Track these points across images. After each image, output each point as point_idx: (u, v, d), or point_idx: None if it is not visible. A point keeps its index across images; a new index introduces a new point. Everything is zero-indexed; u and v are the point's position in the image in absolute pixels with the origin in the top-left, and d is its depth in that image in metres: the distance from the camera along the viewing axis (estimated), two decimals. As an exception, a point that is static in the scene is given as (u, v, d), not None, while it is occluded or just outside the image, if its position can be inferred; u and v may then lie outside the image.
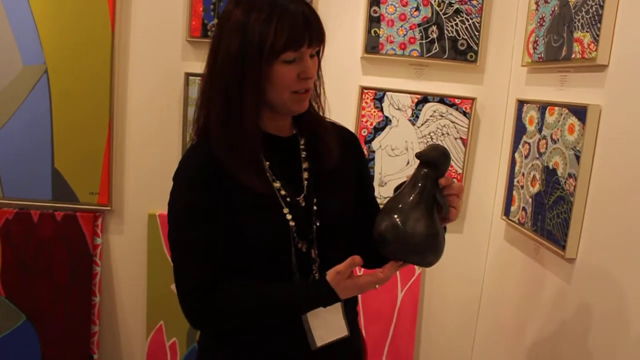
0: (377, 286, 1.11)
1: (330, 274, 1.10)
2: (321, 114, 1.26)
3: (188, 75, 2.10)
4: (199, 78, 2.09)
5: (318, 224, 1.19)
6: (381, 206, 1.21)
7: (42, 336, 2.17)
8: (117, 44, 2.09)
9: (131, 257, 2.24)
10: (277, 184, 1.17)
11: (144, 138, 2.18)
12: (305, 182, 1.21)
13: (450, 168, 2.13)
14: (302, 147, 1.24)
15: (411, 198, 1.12)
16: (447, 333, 2.33)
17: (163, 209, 2.22)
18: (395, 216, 1.11)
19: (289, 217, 1.16)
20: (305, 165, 1.22)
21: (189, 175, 1.15)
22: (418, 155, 1.14)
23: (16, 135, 2.10)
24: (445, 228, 1.21)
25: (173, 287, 2.16)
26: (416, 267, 2.17)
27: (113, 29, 2.06)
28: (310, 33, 1.09)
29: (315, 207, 1.20)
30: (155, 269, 2.19)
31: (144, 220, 2.20)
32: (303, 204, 1.19)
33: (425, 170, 1.13)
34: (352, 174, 1.30)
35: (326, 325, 1.18)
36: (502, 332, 2.07)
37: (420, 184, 1.13)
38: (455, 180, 1.16)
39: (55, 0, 2.04)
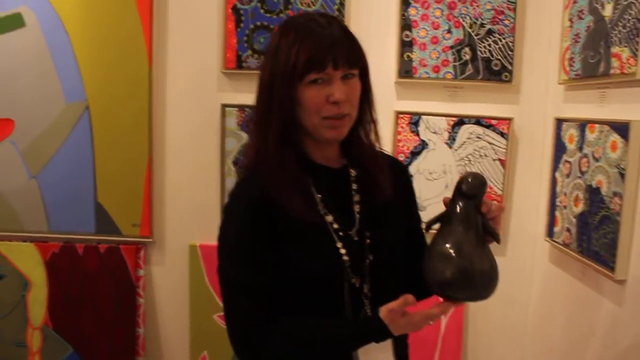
0: (431, 322, 1.08)
1: (383, 312, 1.06)
2: (373, 142, 1.22)
3: (224, 106, 2.14)
4: (235, 109, 2.14)
5: (371, 258, 1.17)
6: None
7: (89, 368, 2.20)
8: (155, 77, 2.15)
9: (173, 288, 2.26)
10: (329, 217, 1.14)
11: (183, 170, 2.22)
12: (358, 215, 1.18)
13: (489, 190, 2.11)
14: (353, 179, 1.21)
15: (469, 236, 1.08)
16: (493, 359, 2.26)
17: (203, 240, 2.27)
18: (463, 260, 1.06)
19: (342, 251, 1.13)
20: (356, 198, 1.20)
21: (239, 211, 1.14)
22: (463, 190, 1.10)
23: (60, 171, 2.16)
24: None
25: (215, 317, 2.19)
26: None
27: (150, 63, 2.12)
28: (334, 54, 1.07)
29: (368, 241, 1.17)
30: (198, 299, 2.20)
31: (185, 251, 2.22)
32: (356, 238, 1.16)
33: (470, 202, 1.10)
34: (403, 205, 1.27)
35: None
36: (551, 356, 2.00)
37: (471, 219, 1.09)
38: (492, 202, 1.14)
39: (95, 38, 2.11)
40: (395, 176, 1.25)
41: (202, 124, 2.18)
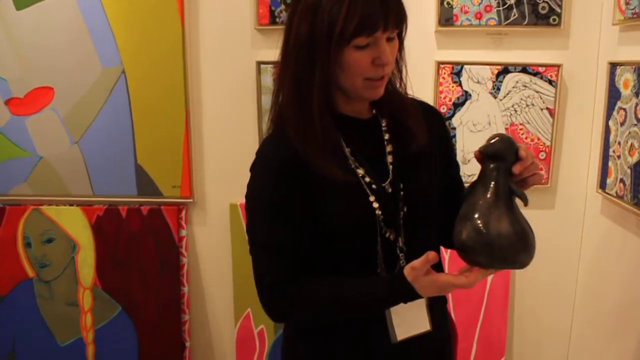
0: (466, 286, 1.03)
1: (406, 269, 1.03)
2: (403, 92, 1.18)
3: (259, 63, 2.10)
4: (270, 66, 2.09)
5: (405, 210, 1.13)
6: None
7: (138, 325, 2.27)
8: (188, 38, 2.11)
9: (216, 247, 2.28)
10: (360, 171, 1.11)
11: (220, 129, 2.20)
12: (390, 166, 1.14)
13: (537, 140, 2.02)
14: (384, 128, 1.16)
15: (486, 198, 1.04)
16: (541, 317, 2.21)
17: (243, 199, 2.25)
18: (476, 221, 1.03)
19: (375, 205, 1.10)
20: (389, 148, 1.15)
21: (267, 169, 1.11)
22: (481, 151, 1.05)
23: (100, 136, 2.18)
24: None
25: (257, 275, 2.20)
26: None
27: (182, 22, 2.08)
28: (386, 16, 1.00)
29: (402, 193, 1.13)
30: (240, 257, 2.22)
31: (225, 210, 2.23)
32: (389, 190, 1.12)
33: (493, 164, 1.04)
34: (437, 153, 1.22)
35: (408, 320, 1.13)
36: (604, 314, 1.94)
37: (492, 181, 1.04)
38: (528, 158, 1.05)
39: (126, 1, 2.08)
40: (429, 122, 1.19)
41: (238, 82, 2.15)
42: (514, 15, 1.95)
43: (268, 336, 2.27)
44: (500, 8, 1.95)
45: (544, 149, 2.03)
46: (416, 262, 1.02)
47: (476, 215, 1.03)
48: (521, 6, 1.94)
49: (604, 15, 1.92)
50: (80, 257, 2.25)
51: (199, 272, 2.32)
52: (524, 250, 1.03)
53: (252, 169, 1.14)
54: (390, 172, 1.14)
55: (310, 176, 1.07)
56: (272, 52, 2.06)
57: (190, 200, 2.22)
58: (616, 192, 1.78)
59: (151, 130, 2.17)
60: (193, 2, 2.11)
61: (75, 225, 2.24)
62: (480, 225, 1.02)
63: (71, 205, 2.24)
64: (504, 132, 2.02)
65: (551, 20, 1.94)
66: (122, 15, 2.10)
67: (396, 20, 1.02)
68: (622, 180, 1.74)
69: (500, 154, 1.04)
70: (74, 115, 2.17)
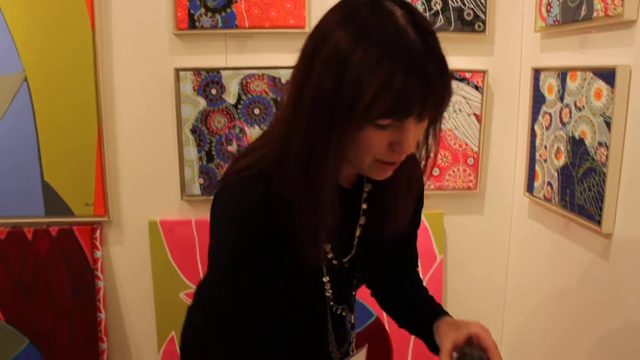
0: None
1: None
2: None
3: (178, 70, 1.97)
4: (190, 72, 1.97)
5: (356, 284, 1.05)
6: None
7: (49, 359, 2.05)
8: (99, 43, 1.95)
9: (135, 268, 2.12)
10: (327, 246, 0.95)
11: (137, 141, 2.05)
12: (357, 240, 1.00)
13: (465, 146, 2.02)
14: (364, 196, 1.00)
15: None
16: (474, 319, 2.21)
17: (163, 215, 2.13)
18: None
19: (327, 286, 0.97)
20: (362, 220, 1.00)
21: (244, 225, 0.88)
22: None
23: (0, 150, 1.97)
24: None
25: (182, 295, 2.06)
26: (437, 252, 2.05)
27: (93, 27, 1.92)
28: (423, 101, 0.77)
29: (359, 266, 1.02)
30: (161, 278, 2.07)
31: (144, 228, 2.08)
32: (346, 265, 1.00)
33: None
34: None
35: None
36: (534, 316, 1.96)
37: None
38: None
39: (28, 2, 1.90)
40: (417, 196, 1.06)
41: (155, 91, 2.01)
42: (440, 21, 1.95)
43: (195, 360, 2.13)
44: (427, 14, 1.94)
45: (472, 155, 2.03)
46: None
47: None
48: (447, 12, 1.93)
49: (526, 23, 1.95)
50: (-22, 286, 2.01)
51: (117, 296, 2.14)
52: None
53: (223, 215, 0.91)
54: (355, 247, 1.00)
55: (279, 241, 0.89)
56: (192, 58, 1.99)
57: (105, 218, 2.05)
58: (544, 195, 1.80)
59: (59, 143, 1.98)
60: (104, 4, 1.95)
61: (-28, 251, 2.00)
62: None
63: (-34, 228, 2.01)
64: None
65: (476, 26, 1.95)
66: (22, 15, 1.90)
67: (435, 107, 0.81)
68: (549, 184, 1.76)
69: None
70: (-32, 128, 1.95)
